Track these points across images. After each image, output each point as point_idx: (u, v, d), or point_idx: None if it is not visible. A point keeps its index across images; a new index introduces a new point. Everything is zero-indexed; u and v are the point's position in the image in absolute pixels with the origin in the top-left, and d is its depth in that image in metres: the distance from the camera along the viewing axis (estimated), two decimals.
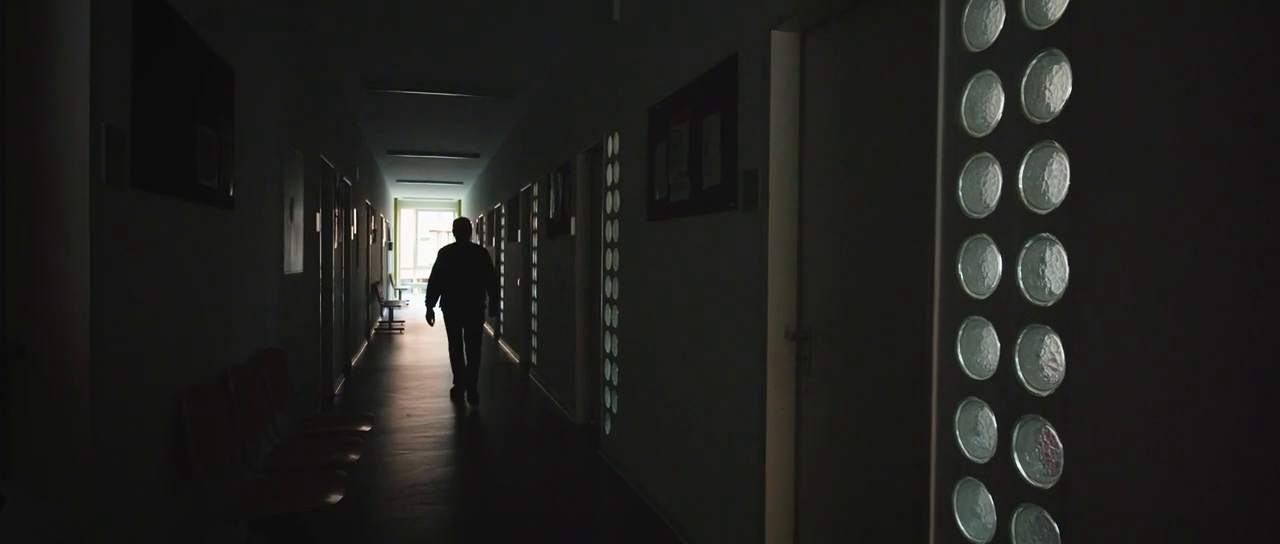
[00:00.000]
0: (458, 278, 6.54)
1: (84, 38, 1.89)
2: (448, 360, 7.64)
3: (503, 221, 11.10)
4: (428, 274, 6.92)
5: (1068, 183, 1.47)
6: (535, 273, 8.12)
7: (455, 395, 6.93)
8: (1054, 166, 1.53)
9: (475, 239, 10.75)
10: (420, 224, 24.30)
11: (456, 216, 6.70)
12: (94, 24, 1.91)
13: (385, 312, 14.15)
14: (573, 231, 6.12)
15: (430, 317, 6.96)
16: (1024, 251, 1.58)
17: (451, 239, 6.78)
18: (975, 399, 1.72)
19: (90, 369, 1.92)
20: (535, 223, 8.10)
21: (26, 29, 1.86)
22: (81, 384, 1.91)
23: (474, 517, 3.95)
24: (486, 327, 11.72)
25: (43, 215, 1.88)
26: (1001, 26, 1.66)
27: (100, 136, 1.95)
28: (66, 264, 1.89)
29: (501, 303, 10.95)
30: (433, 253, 7.17)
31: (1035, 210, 1.55)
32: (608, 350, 5.15)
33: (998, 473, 1.65)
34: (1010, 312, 1.61)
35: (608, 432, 5.10)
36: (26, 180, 1.86)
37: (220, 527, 3.08)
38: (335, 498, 2.89)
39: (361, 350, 10.05)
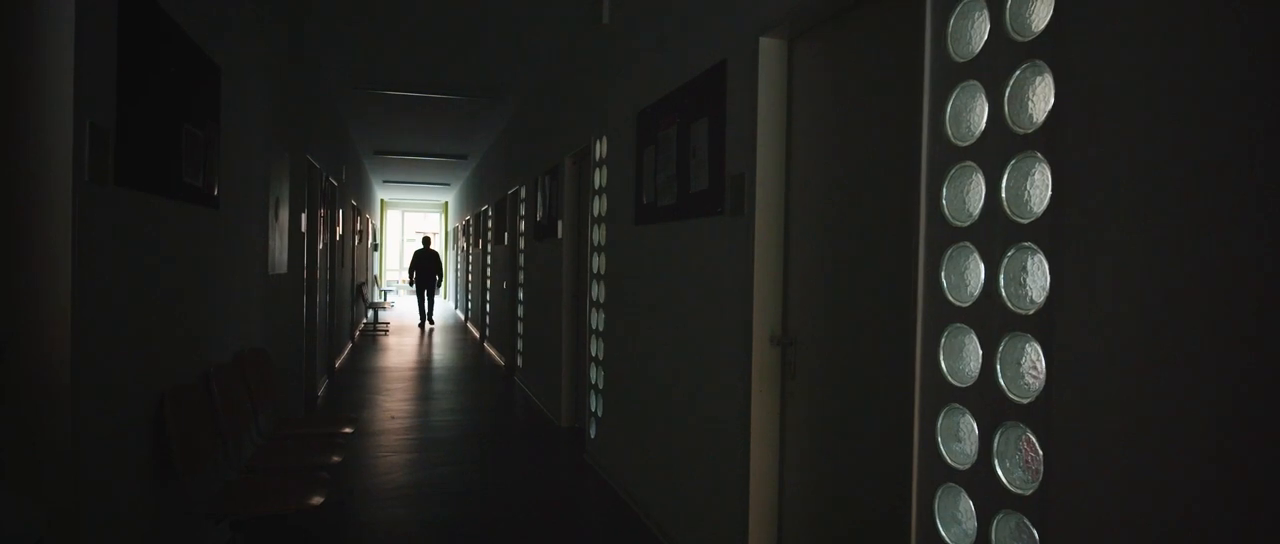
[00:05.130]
0: (423, 266, 13.45)
1: (68, 34, 1.88)
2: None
3: (489, 224, 11.08)
4: (408, 279, 13.64)
5: (1049, 193, 1.49)
6: (521, 276, 8.11)
7: (420, 327, 13.50)
8: (1036, 176, 1.55)
9: (434, 246, 15.88)
10: (406, 225, 24.19)
11: (424, 236, 14.14)
12: (79, 20, 1.89)
13: (370, 313, 14.07)
14: (560, 235, 6.12)
15: (412, 280, 13.55)
16: (1006, 260, 1.60)
17: (419, 246, 13.67)
18: (957, 406, 1.73)
19: (71, 368, 1.90)
20: (522, 225, 8.09)
21: (10, 24, 1.85)
22: (63, 383, 1.89)
23: (457, 519, 3.94)
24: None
25: (26, 213, 1.86)
26: (986, 37, 1.68)
27: (84, 134, 1.93)
28: (49, 262, 1.88)
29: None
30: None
31: (1017, 219, 1.57)
32: (593, 354, 5.15)
33: (979, 479, 1.66)
34: (992, 319, 1.63)
35: (593, 435, 5.10)
36: (10, 177, 1.85)
37: (202, 527, 3.06)
38: (317, 500, 2.87)
39: (345, 352, 9.99)
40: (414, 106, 8.55)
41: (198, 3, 2.90)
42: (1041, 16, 1.54)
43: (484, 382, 8.29)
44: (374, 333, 12.98)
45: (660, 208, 3.70)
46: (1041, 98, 1.54)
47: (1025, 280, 1.57)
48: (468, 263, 14.60)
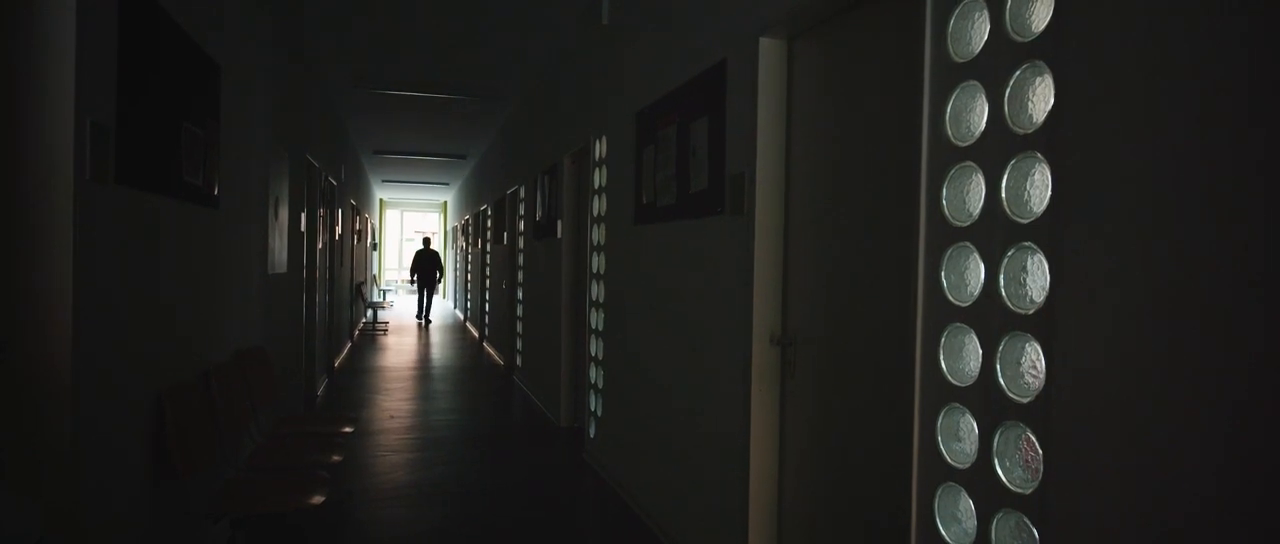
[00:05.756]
0: (424, 265, 14.58)
1: (69, 32, 1.88)
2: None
3: (489, 224, 11.08)
4: (409, 278, 15.35)
5: (1049, 193, 1.50)
6: (521, 276, 8.11)
7: (418, 319, 14.75)
8: (1036, 176, 1.55)
9: (434, 246, 17.29)
10: (405, 225, 24.19)
11: (424, 237, 15.53)
12: (80, 18, 1.89)
13: (369, 312, 14.07)
14: (559, 235, 6.12)
15: (413, 279, 14.82)
16: (1006, 260, 1.60)
17: (420, 246, 14.83)
18: (957, 405, 1.74)
19: (72, 366, 1.90)
20: (521, 225, 8.09)
21: (11, 23, 1.85)
22: (63, 381, 1.89)
23: (457, 519, 3.94)
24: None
25: (26, 211, 1.86)
26: (986, 38, 1.68)
27: (85, 132, 1.93)
28: (49, 260, 1.88)
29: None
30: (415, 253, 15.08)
31: (1017, 219, 1.58)
32: (593, 354, 5.15)
33: (979, 478, 1.67)
34: (992, 319, 1.63)
35: (592, 435, 5.10)
36: (10, 175, 1.85)
37: (201, 526, 3.06)
38: (317, 499, 2.87)
39: (345, 351, 9.98)
40: (413, 106, 8.55)
41: (198, 1, 2.90)
42: (1041, 17, 1.54)
43: (483, 381, 8.29)
44: (373, 332, 12.98)
45: (660, 207, 3.70)
46: (1041, 98, 1.55)
47: (1025, 280, 1.57)
48: (467, 262, 14.61)
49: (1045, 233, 1.50)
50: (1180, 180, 1.24)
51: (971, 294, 1.70)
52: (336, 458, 3.49)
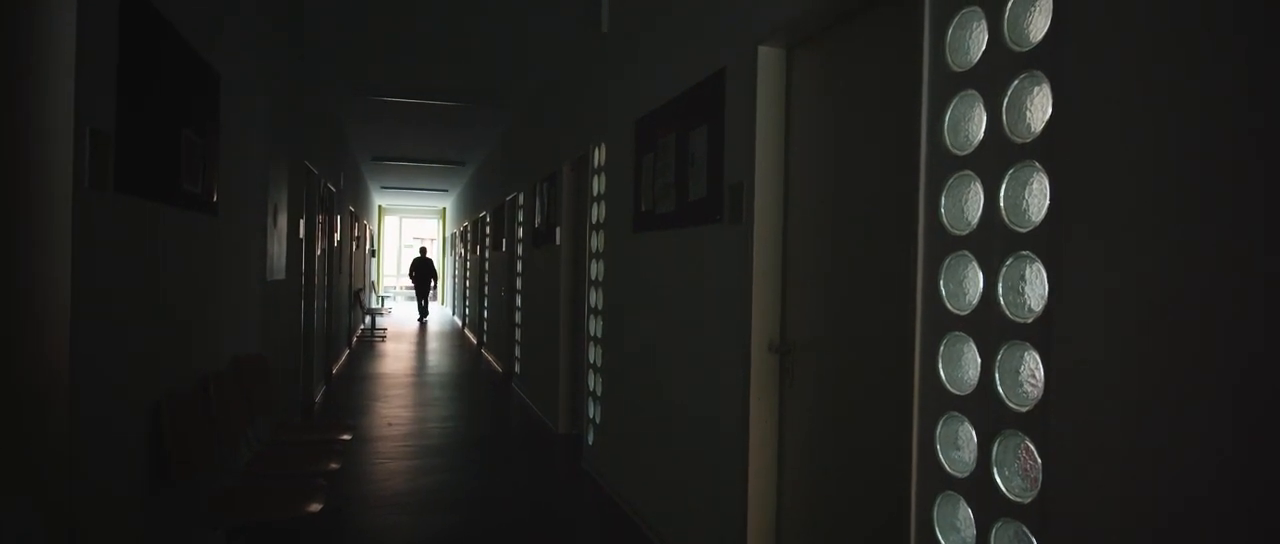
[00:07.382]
0: (420, 271, 16.59)
1: (70, 40, 1.88)
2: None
3: (488, 230, 11.08)
4: (408, 282, 17.73)
5: (1047, 202, 1.50)
6: (519, 282, 8.11)
7: (418, 320, 16.59)
8: (1034, 185, 1.56)
9: (430, 255, 18.69)
10: (404, 231, 24.19)
11: (421, 246, 17.68)
12: (80, 26, 1.90)
13: (367, 319, 14.05)
14: (558, 242, 6.13)
15: (412, 282, 16.91)
16: (1005, 269, 1.61)
17: (417, 254, 16.90)
18: (956, 414, 1.74)
19: (70, 372, 1.90)
20: (520, 232, 8.09)
21: (11, 30, 1.85)
22: (62, 387, 1.89)
23: (455, 527, 3.93)
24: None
25: (25, 218, 1.86)
26: (984, 48, 1.69)
27: (85, 140, 1.93)
28: (49, 267, 1.88)
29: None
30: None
31: (1016, 228, 1.58)
32: (591, 361, 5.15)
33: (978, 487, 1.66)
34: (991, 328, 1.63)
35: (590, 442, 5.09)
36: (10, 182, 1.85)
37: (199, 533, 3.05)
38: (315, 507, 2.87)
39: (343, 358, 9.97)
40: (413, 113, 8.56)
41: (198, 9, 2.91)
42: (1039, 27, 1.55)
43: (481, 388, 8.28)
44: (371, 339, 12.96)
45: (659, 215, 3.71)
46: (1039, 107, 1.55)
47: (1023, 289, 1.58)
48: (465, 269, 14.60)
49: (1043, 242, 1.51)
50: (1179, 189, 1.25)
51: (970, 303, 1.71)
52: (334, 465, 3.49)
